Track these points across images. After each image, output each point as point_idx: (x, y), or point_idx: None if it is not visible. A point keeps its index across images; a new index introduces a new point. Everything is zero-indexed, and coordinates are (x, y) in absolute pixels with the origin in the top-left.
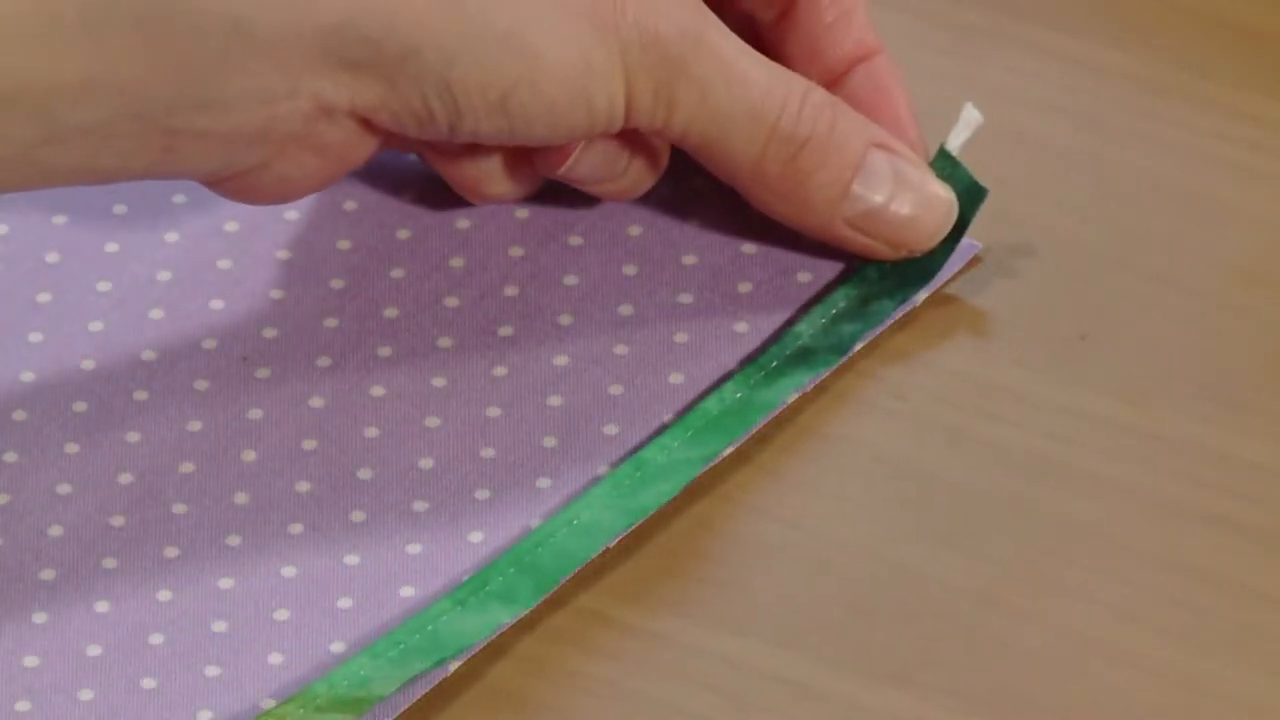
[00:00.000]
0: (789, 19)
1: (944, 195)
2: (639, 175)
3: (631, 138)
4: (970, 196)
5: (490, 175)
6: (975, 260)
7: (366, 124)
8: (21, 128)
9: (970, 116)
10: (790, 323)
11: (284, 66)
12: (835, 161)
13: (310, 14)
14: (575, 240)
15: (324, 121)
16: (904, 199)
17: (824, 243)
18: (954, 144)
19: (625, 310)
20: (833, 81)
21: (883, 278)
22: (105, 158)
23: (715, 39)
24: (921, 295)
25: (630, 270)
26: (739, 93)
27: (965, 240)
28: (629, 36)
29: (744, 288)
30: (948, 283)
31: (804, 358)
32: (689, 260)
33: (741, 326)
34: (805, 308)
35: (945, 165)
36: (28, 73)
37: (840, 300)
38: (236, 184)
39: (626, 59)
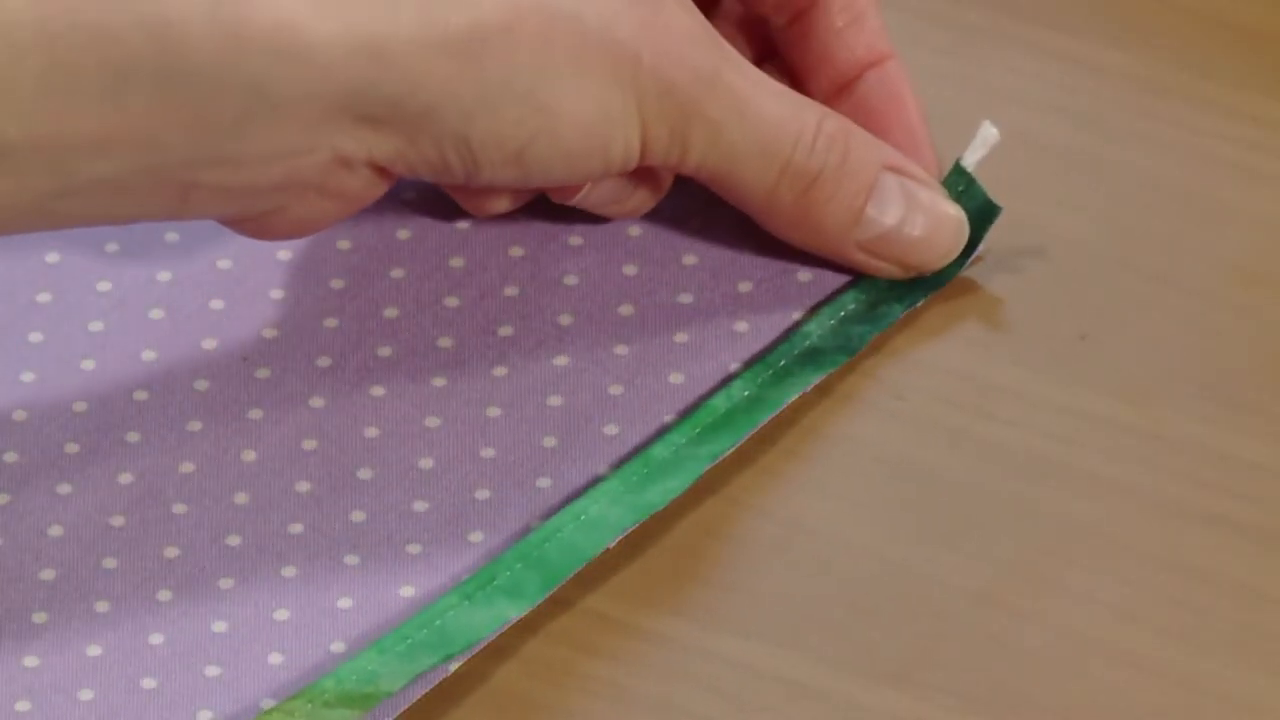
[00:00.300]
0: (801, 24)
1: (955, 214)
2: (645, 198)
3: (641, 168)
4: (983, 214)
5: (496, 198)
6: (976, 260)
7: (382, 171)
8: (36, 179)
9: (987, 134)
10: (799, 323)
11: (304, 125)
12: (848, 189)
13: (331, 76)
14: (575, 240)
15: (341, 171)
16: (916, 221)
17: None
18: (970, 161)
19: (625, 310)
20: (844, 86)
21: (892, 284)
22: (121, 207)
23: (730, 77)
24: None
25: (630, 270)
26: (753, 130)
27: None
28: (646, 85)
29: (744, 287)
30: (949, 282)
31: (812, 358)
32: (689, 260)
33: (742, 326)
34: (814, 309)
35: (960, 181)
36: (43, 125)
37: (850, 302)
38: (251, 225)
39: (643, 107)
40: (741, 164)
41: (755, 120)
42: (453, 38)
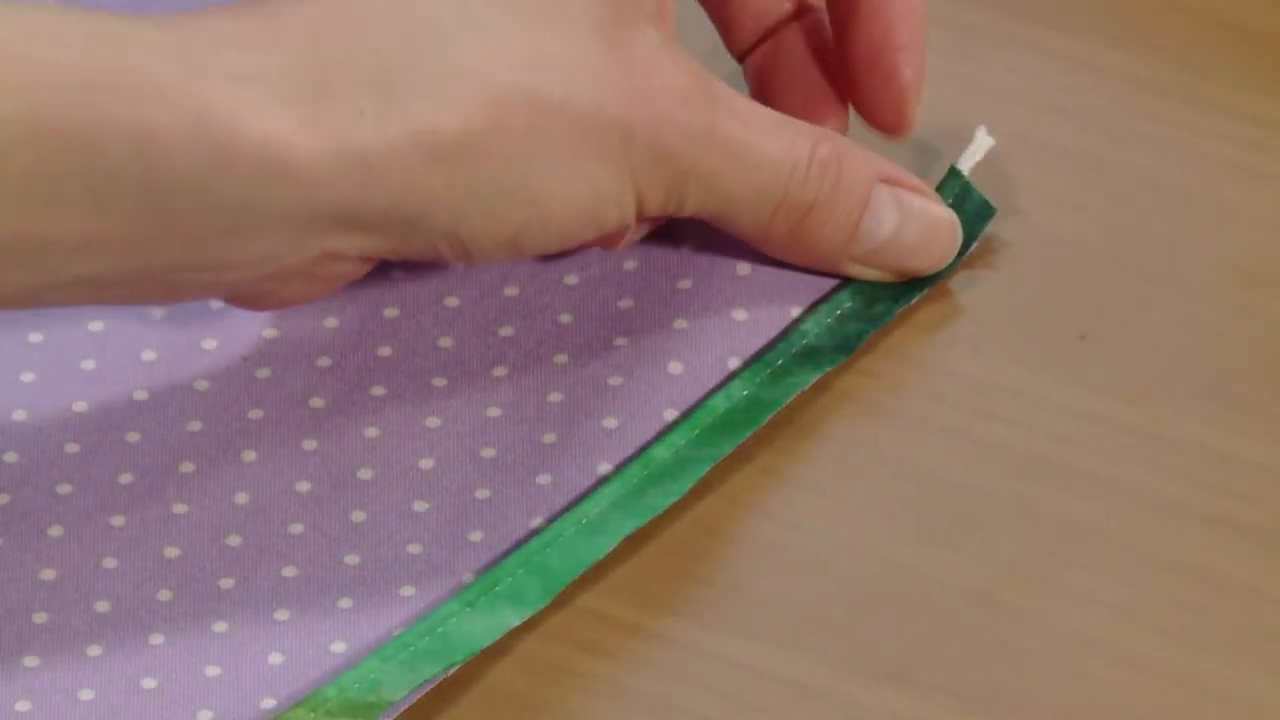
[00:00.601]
0: None
1: (948, 218)
2: (641, 231)
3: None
4: (978, 214)
5: None
6: (976, 259)
7: (372, 259)
8: (18, 273)
9: (983, 140)
10: (796, 322)
11: (292, 235)
12: (842, 211)
13: (319, 191)
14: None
15: (331, 263)
16: (910, 230)
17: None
18: (965, 165)
19: (625, 304)
20: (764, 37)
21: (887, 283)
22: (105, 298)
23: (725, 127)
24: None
25: (630, 265)
26: (750, 175)
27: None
28: (639, 156)
29: (742, 270)
30: (949, 281)
31: (810, 357)
32: (688, 248)
33: (740, 315)
34: (811, 307)
35: (955, 184)
36: (25, 224)
37: (846, 300)
38: (240, 302)
39: (637, 176)
40: (738, 206)
41: (752, 165)
42: (442, 146)
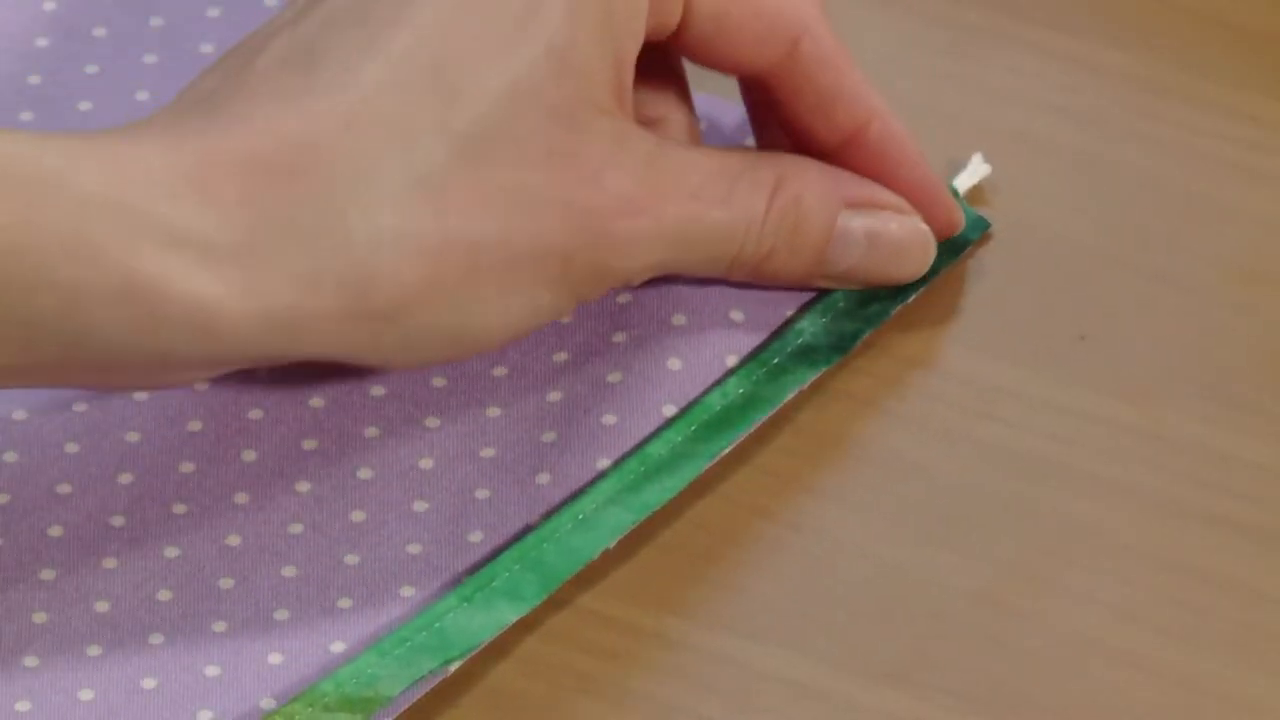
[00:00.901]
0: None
1: (918, 233)
2: None
3: None
4: (972, 226)
5: None
6: (975, 260)
7: None
8: None
9: (979, 168)
10: (791, 320)
11: (211, 370)
12: (803, 249)
13: (244, 348)
14: None
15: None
16: (879, 250)
17: None
18: (961, 185)
19: (622, 299)
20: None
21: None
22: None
23: (672, 214)
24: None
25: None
26: (699, 248)
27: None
28: (579, 275)
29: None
30: (948, 281)
31: (806, 355)
32: None
33: (737, 315)
34: (806, 306)
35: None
36: None
37: (841, 299)
38: None
39: (579, 290)
40: (690, 269)
41: (702, 240)
42: (373, 309)
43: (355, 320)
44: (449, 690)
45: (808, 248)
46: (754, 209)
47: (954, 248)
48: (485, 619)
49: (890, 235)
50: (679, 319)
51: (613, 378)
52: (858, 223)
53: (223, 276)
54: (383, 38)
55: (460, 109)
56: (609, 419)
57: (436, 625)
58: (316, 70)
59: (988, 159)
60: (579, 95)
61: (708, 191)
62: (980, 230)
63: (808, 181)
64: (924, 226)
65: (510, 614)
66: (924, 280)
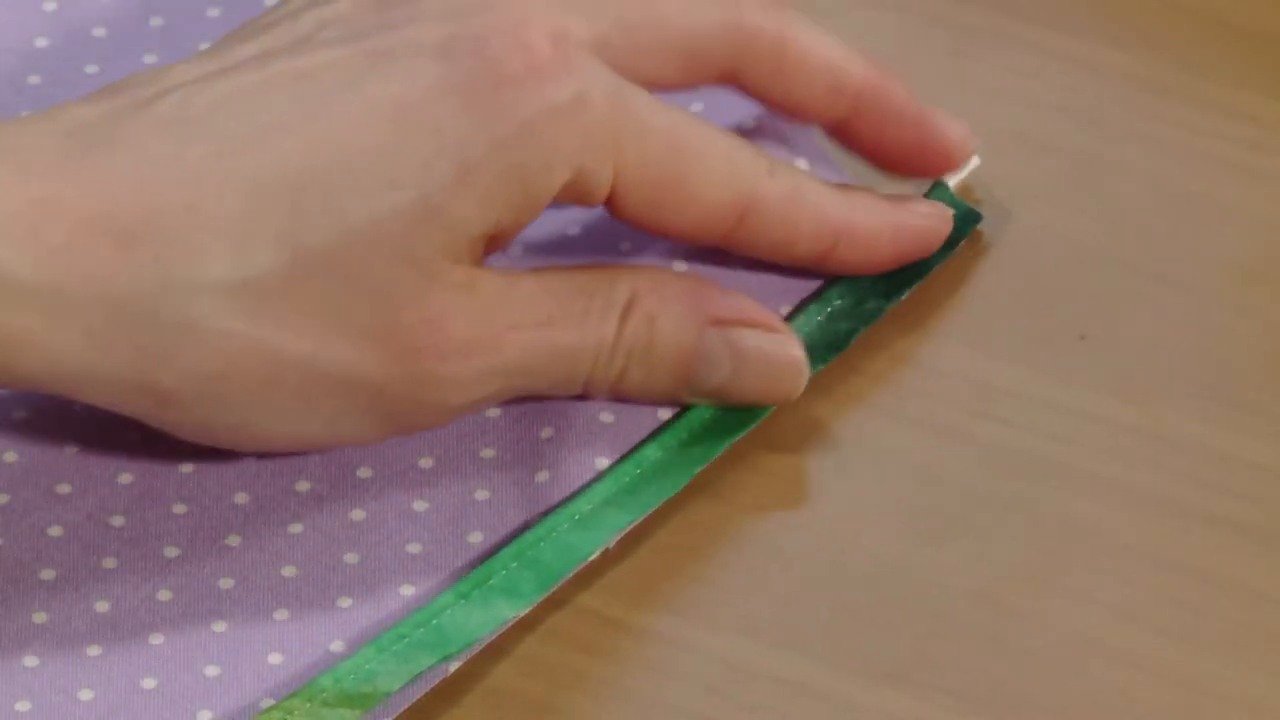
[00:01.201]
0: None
1: (787, 356)
2: None
3: None
4: (965, 218)
5: None
6: (976, 260)
7: None
8: None
9: (969, 162)
10: (787, 319)
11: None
12: (661, 369)
13: (34, 384)
14: (573, 230)
15: None
16: (746, 372)
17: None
18: (951, 181)
19: None
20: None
21: (877, 279)
22: None
23: (511, 345)
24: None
25: (625, 246)
26: (542, 375)
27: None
28: (393, 409)
29: (739, 271)
30: (948, 281)
31: None
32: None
33: None
34: (800, 305)
35: (941, 196)
36: None
37: (835, 299)
38: None
39: (397, 421)
40: (540, 393)
41: (547, 366)
42: (162, 389)
43: (140, 393)
44: (448, 689)
45: (665, 367)
46: (604, 330)
47: (948, 241)
48: (483, 616)
49: (757, 355)
50: None
51: None
52: (722, 341)
53: (24, 318)
54: (265, 140)
55: (308, 229)
56: (606, 417)
57: (434, 622)
58: (191, 145)
59: (987, 158)
60: (441, 248)
61: (558, 318)
62: (972, 223)
63: (666, 299)
64: (795, 348)
65: (508, 611)
66: (920, 274)
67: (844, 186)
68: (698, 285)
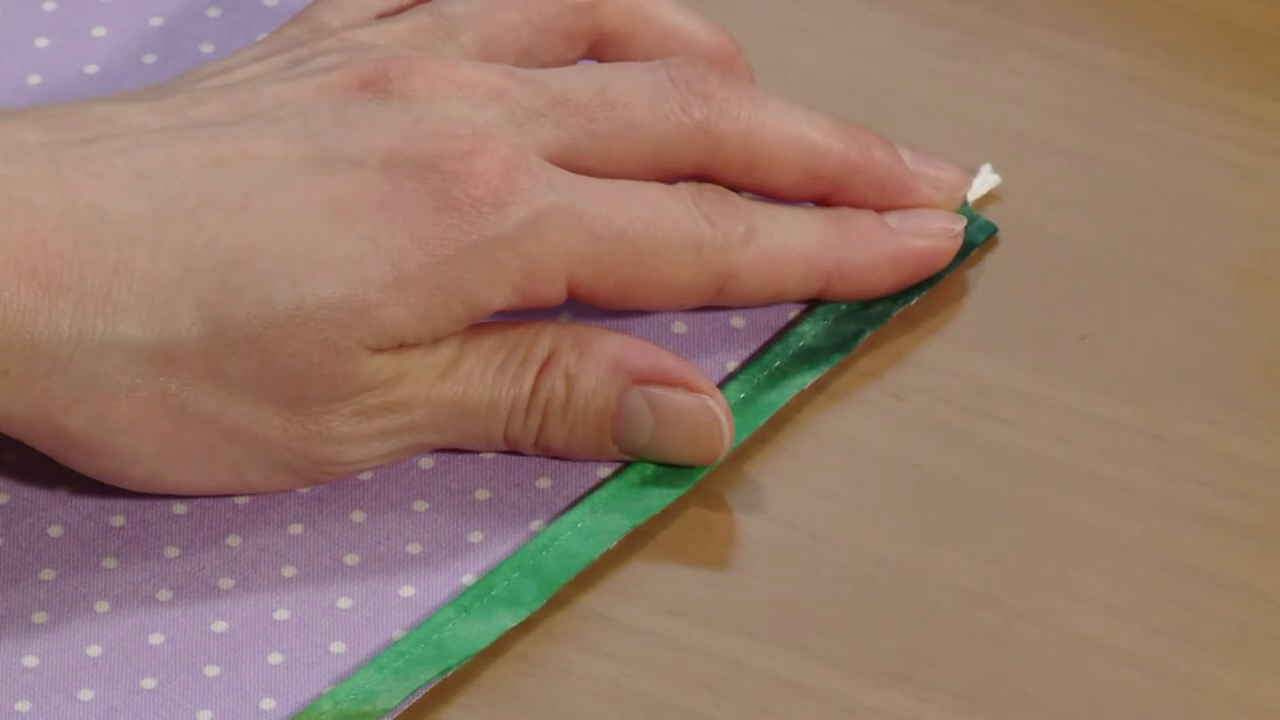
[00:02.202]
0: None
1: (709, 415)
2: None
3: None
4: (980, 231)
5: None
6: (976, 260)
7: None
8: None
9: (989, 177)
10: (794, 322)
11: None
12: (580, 427)
13: None
14: None
15: None
16: (668, 431)
17: None
18: (970, 196)
19: None
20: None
21: None
22: None
23: (422, 400)
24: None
25: None
26: (457, 427)
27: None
28: (298, 465)
29: None
30: (949, 281)
31: (808, 358)
32: None
33: (738, 321)
34: (808, 308)
35: (959, 210)
36: None
37: (844, 301)
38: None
39: (304, 475)
40: (456, 446)
41: (459, 420)
42: (68, 436)
43: (48, 436)
44: (448, 689)
45: (585, 425)
46: (519, 385)
47: (960, 250)
48: (484, 627)
49: (678, 414)
50: (679, 327)
51: None
52: (642, 400)
53: None
54: (203, 213)
55: (232, 305)
56: None
57: (435, 637)
58: (132, 202)
59: (986, 158)
60: (365, 340)
61: (474, 375)
62: (987, 234)
63: (588, 357)
64: (717, 408)
65: (509, 620)
66: (930, 282)
67: (840, 215)
68: (625, 342)
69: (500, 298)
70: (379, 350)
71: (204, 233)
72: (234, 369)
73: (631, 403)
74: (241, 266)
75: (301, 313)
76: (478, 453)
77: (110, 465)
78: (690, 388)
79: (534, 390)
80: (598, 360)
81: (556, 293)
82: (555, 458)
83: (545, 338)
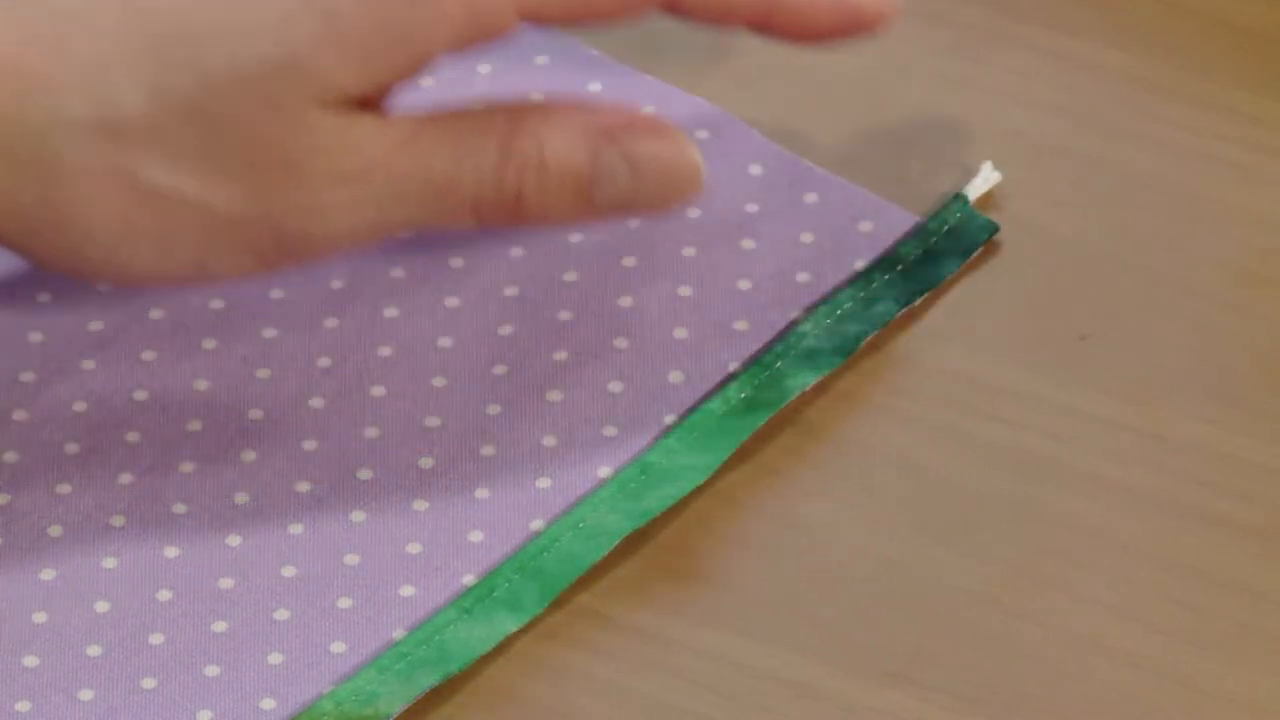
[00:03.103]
0: None
1: (681, 160)
2: None
3: None
4: (981, 227)
5: None
6: (976, 260)
7: None
8: None
9: (989, 175)
10: (794, 323)
11: None
12: (556, 190)
13: None
14: (575, 238)
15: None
16: (645, 179)
17: (819, 246)
18: (971, 194)
19: (624, 302)
20: None
21: (888, 282)
22: None
23: (381, 174)
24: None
25: (629, 262)
26: (424, 201)
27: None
28: (257, 240)
29: (744, 285)
30: (949, 281)
31: (809, 359)
32: (688, 253)
33: (741, 325)
34: (809, 309)
35: (959, 208)
36: None
37: (846, 301)
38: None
39: (264, 257)
40: (425, 223)
41: (423, 192)
42: (21, 217)
43: (4, 217)
44: (448, 689)
45: (561, 185)
46: (482, 152)
47: (962, 251)
48: (486, 630)
49: (653, 161)
50: (681, 332)
51: (614, 387)
52: (616, 153)
53: None
54: None
55: (171, 75)
56: (609, 430)
57: (437, 639)
58: None
59: (987, 158)
60: (309, 98)
61: (436, 147)
62: (988, 233)
63: (553, 119)
64: (690, 150)
65: (510, 624)
66: (931, 284)
67: None
68: (585, 103)
69: (441, 35)
70: (325, 107)
71: (136, 8)
72: (182, 140)
73: (604, 158)
74: (176, 37)
75: (240, 75)
76: (476, 455)
77: (64, 244)
78: (660, 134)
79: (505, 155)
80: (563, 120)
81: (507, 19)
82: (526, 227)
83: (504, 110)
